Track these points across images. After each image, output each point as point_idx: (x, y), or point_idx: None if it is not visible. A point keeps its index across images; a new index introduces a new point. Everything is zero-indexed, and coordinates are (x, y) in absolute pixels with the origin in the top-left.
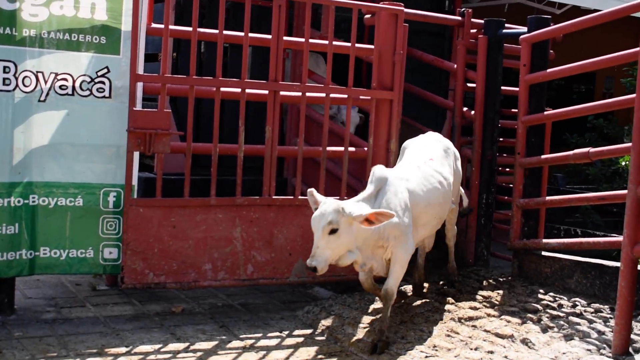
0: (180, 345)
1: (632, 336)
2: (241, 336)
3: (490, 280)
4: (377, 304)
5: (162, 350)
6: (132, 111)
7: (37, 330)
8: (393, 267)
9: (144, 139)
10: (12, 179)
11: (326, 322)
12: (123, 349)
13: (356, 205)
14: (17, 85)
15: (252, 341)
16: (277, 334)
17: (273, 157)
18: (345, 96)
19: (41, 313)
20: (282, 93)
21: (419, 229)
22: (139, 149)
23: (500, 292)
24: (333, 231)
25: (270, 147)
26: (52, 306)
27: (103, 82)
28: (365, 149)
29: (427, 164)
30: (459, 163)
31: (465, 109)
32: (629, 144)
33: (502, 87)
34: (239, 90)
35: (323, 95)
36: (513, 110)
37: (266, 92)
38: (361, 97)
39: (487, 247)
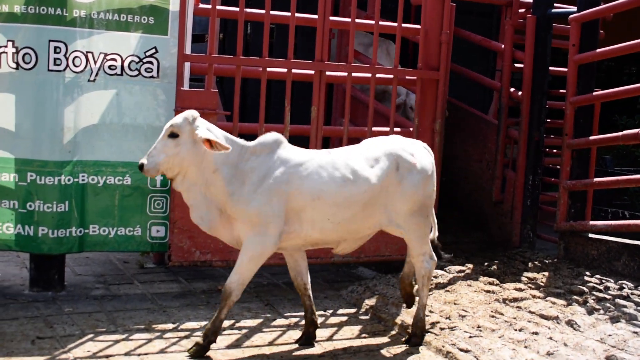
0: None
1: None
2: (285, 314)
3: (536, 262)
4: None
5: None
6: (179, 91)
7: (86, 306)
8: (238, 259)
9: None
10: (62, 157)
11: (370, 302)
12: (170, 325)
13: (217, 130)
14: (67, 66)
15: (296, 319)
16: (322, 312)
17: (319, 137)
18: (391, 76)
19: (90, 289)
20: (328, 73)
21: (304, 225)
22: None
23: (546, 273)
24: (173, 135)
25: (316, 127)
26: (101, 283)
27: (151, 62)
28: (411, 129)
29: (338, 156)
30: (415, 178)
31: (512, 89)
32: None
33: (551, 68)
34: (285, 70)
35: (369, 75)
36: (561, 91)
37: (312, 72)
38: (407, 77)
39: (533, 229)
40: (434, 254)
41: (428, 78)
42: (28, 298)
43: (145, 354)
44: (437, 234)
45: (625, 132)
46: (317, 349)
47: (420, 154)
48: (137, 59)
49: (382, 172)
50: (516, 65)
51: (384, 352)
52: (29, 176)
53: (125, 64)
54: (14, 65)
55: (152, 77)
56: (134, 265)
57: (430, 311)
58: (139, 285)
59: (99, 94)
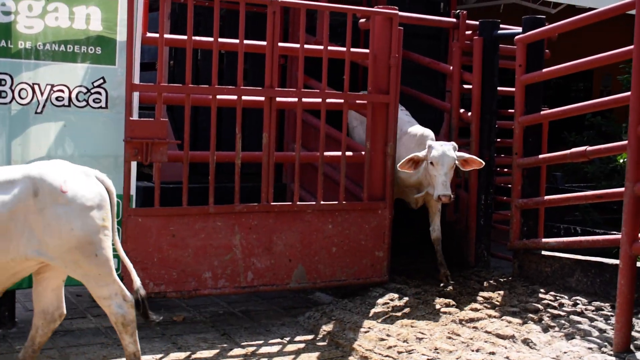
0: (181, 355)
1: (633, 333)
2: (242, 344)
3: (491, 281)
4: (379, 308)
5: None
6: (128, 121)
7: None
8: None
9: (141, 149)
10: None
11: (327, 328)
12: None
13: None
14: (13, 98)
15: (253, 348)
16: (279, 340)
17: (270, 164)
18: (342, 101)
19: None
20: (278, 99)
21: None
22: (137, 158)
23: (501, 292)
24: None
25: (268, 153)
26: None
27: (99, 93)
28: (363, 153)
29: None
30: (64, 209)
31: (462, 110)
32: (625, 142)
33: (499, 88)
34: (235, 97)
35: (319, 100)
36: (510, 110)
37: (262, 98)
38: (357, 101)
39: (488, 248)
40: (127, 294)
41: (378, 102)
42: None
43: None
44: (138, 282)
45: (573, 150)
46: None
47: (79, 183)
48: (85, 90)
49: (12, 198)
50: (465, 86)
51: None
52: None
53: (73, 95)
54: None
55: (100, 107)
56: (87, 299)
57: (387, 334)
58: (92, 319)
59: (46, 126)
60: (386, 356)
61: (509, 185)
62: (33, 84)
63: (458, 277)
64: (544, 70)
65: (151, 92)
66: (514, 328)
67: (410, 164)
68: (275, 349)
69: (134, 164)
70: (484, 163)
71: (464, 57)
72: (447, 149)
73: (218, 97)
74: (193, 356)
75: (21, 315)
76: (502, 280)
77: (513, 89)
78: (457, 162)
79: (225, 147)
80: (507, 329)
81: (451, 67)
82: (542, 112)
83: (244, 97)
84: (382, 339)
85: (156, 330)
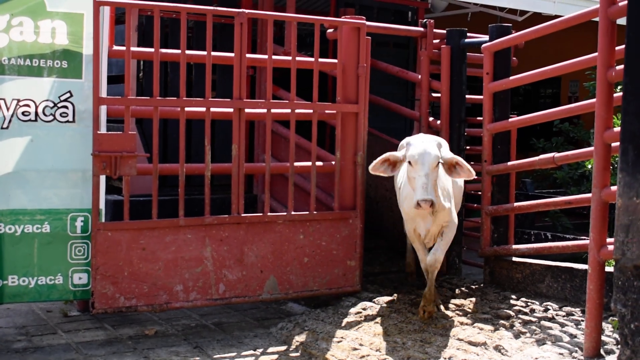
0: None
1: (603, 338)
2: (215, 356)
3: (463, 288)
4: (351, 318)
5: None
6: (96, 135)
7: None
8: None
9: (110, 162)
10: None
11: (300, 338)
12: None
13: None
14: None
15: None
16: (251, 352)
17: (240, 175)
18: (311, 111)
19: (12, 342)
20: (247, 110)
21: None
22: (105, 172)
23: (473, 299)
24: None
25: (238, 165)
26: (23, 335)
27: (66, 107)
28: (333, 162)
29: None
30: None
31: (431, 118)
32: (592, 148)
33: (467, 96)
34: (203, 109)
35: (288, 111)
36: (478, 118)
37: (231, 110)
38: (327, 111)
39: (459, 255)
40: None
41: (347, 111)
42: None
43: None
44: None
45: (541, 156)
46: None
47: None
48: (51, 104)
49: None
50: (434, 94)
51: None
52: None
53: (40, 109)
54: None
55: (67, 121)
56: (57, 314)
57: (360, 344)
58: (62, 335)
59: (13, 142)
60: None
61: (479, 193)
62: None
63: None
64: (511, 77)
65: (119, 105)
66: (486, 335)
67: (385, 166)
68: None
69: (102, 178)
70: (474, 174)
71: (432, 66)
72: (428, 146)
73: (186, 109)
74: None
75: None
76: (473, 287)
77: (481, 97)
78: (443, 165)
79: (195, 159)
80: (479, 336)
81: (419, 76)
82: (510, 120)
83: (212, 109)
84: (355, 349)
85: (128, 345)
